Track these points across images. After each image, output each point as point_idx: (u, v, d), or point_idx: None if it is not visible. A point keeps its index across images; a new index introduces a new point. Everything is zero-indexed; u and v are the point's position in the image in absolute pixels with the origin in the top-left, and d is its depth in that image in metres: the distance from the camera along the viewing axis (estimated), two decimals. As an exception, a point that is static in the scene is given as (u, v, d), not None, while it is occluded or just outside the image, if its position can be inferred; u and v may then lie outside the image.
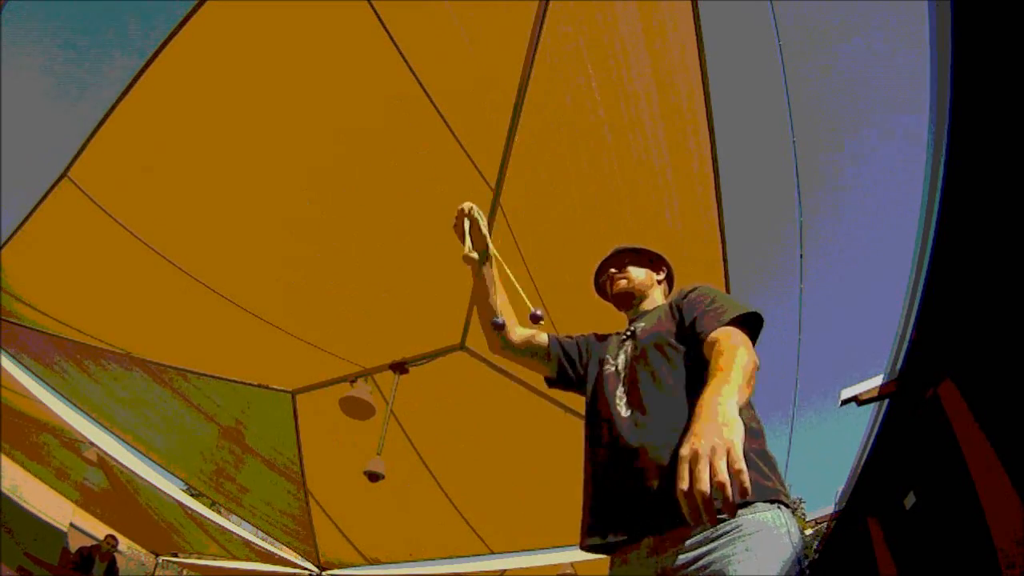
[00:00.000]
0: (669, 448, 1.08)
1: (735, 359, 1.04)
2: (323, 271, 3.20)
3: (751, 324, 1.21)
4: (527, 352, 1.51)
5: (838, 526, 5.62)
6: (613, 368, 1.35)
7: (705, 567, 0.98)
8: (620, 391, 1.27)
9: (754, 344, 1.19)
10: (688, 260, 2.82)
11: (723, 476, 0.78)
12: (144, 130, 2.52)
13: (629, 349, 1.35)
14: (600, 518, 1.17)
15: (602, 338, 1.51)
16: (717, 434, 0.84)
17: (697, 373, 1.18)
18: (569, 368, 1.49)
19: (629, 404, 1.23)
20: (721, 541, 0.99)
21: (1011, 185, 2.31)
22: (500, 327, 1.48)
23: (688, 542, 1.02)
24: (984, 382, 3.12)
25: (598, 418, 1.29)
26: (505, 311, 1.51)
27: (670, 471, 1.03)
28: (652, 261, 1.58)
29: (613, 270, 1.56)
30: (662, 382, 1.21)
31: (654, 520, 1.06)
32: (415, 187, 2.79)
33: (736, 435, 0.83)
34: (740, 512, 0.99)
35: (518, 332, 1.51)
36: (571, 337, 1.55)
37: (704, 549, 1.00)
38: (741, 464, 0.79)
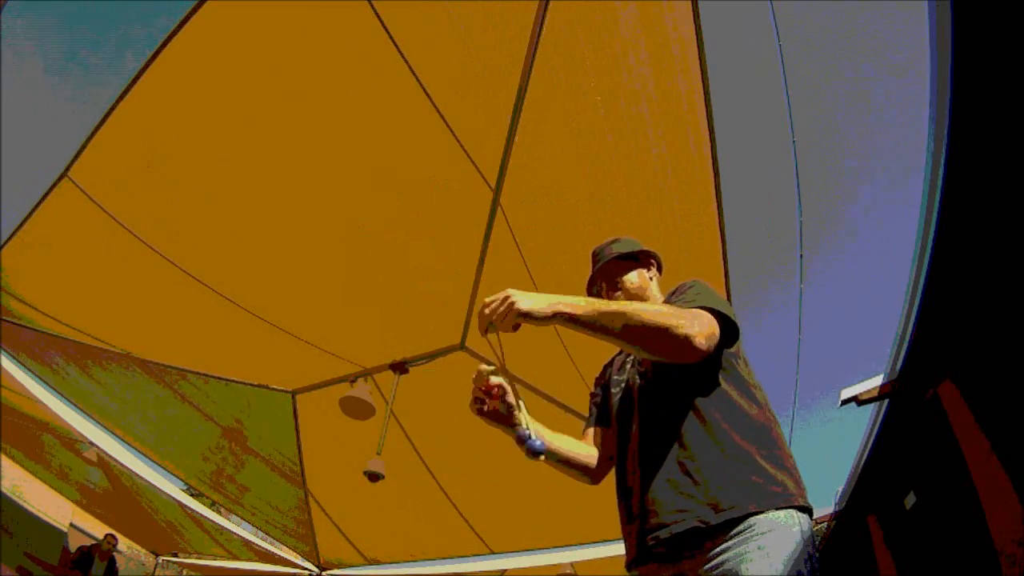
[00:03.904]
0: (675, 470, 1.11)
1: (639, 305, 1.13)
2: (323, 271, 3.20)
3: (724, 325, 1.16)
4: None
5: (838, 526, 5.61)
6: (621, 387, 1.34)
7: (719, 565, 1.00)
8: (631, 411, 1.27)
9: (727, 345, 1.18)
10: (688, 259, 2.82)
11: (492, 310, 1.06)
12: (144, 130, 2.52)
13: (638, 363, 1.33)
14: (630, 547, 1.17)
15: (603, 371, 1.49)
16: (519, 297, 1.05)
17: (701, 375, 1.18)
18: None
19: (640, 422, 1.23)
20: (735, 540, 1.00)
21: (1011, 185, 2.31)
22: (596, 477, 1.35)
23: (704, 545, 1.03)
24: (984, 382, 3.12)
25: (616, 444, 1.30)
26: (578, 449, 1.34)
27: (681, 496, 1.08)
28: (638, 259, 1.48)
29: (605, 284, 1.46)
30: (669, 393, 1.21)
31: (673, 550, 1.08)
32: (415, 187, 2.79)
33: (522, 303, 1.05)
34: (754, 514, 1.02)
35: (600, 463, 1.35)
36: (595, 408, 1.46)
37: (718, 548, 1.01)
38: (502, 306, 1.05)
